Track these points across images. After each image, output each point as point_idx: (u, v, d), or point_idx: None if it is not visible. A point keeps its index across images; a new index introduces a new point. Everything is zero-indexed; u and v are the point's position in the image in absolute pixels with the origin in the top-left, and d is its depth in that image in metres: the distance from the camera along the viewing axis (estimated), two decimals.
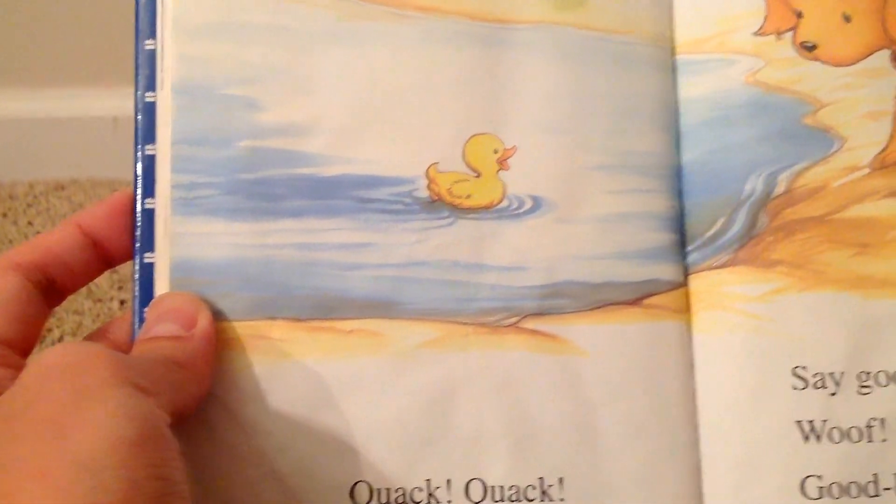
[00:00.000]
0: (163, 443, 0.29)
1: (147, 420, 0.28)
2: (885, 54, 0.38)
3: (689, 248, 0.39)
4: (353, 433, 0.36)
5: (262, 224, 0.37)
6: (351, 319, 0.37)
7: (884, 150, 0.38)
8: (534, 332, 0.38)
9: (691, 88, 0.39)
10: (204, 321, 0.34)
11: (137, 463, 0.27)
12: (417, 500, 0.37)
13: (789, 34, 0.39)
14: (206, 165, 0.37)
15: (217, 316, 0.36)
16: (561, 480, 0.37)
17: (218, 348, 0.36)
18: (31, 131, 0.96)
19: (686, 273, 0.39)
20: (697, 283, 0.39)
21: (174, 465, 0.29)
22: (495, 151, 0.39)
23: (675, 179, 0.40)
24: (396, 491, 0.36)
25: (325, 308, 0.37)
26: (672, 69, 0.40)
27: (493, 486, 0.37)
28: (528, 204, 0.39)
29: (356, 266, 0.37)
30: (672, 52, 0.40)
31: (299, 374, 0.36)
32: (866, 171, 0.37)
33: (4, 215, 0.96)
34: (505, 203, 0.39)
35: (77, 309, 0.87)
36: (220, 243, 0.37)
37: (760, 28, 0.39)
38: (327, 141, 0.38)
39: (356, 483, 0.36)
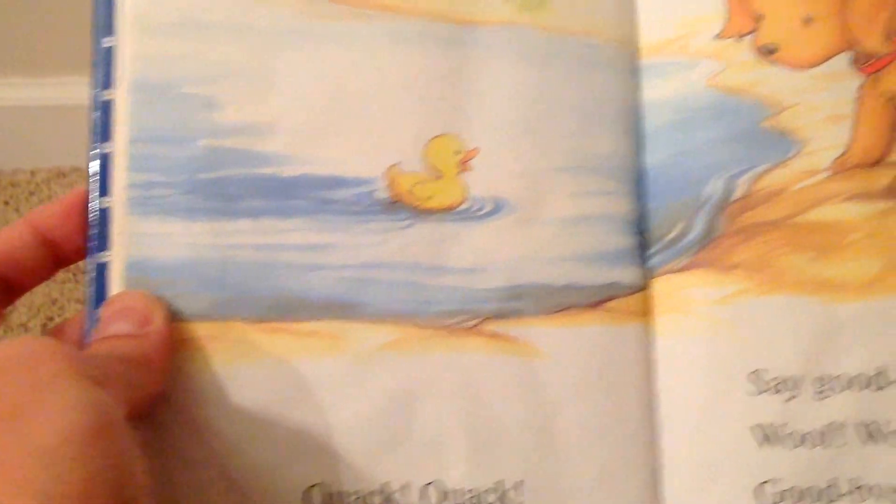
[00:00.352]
0: (120, 433, 0.28)
1: (103, 411, 0.28)
2: (845, 57, 0.38)
3: (651, 251, 0.39)
4: (309, 436, 0.35)
5: (219, 224, 0.36)
6: (309, 321, 0.37)
7: (844, 153, 0.38)
8: (494, 334, 0.38)
9: (654, 91, 0.39)
10: (159, 319, 0.34)
11: (95, 453, 0.27)
12: None
13: (750, 37, 0.39)
14: (163, 164, 0.36)
15: (173, 316, 0.35)
16: (520, 484, 0.37)
17: (173, 348, 0.34)
18: (33, 119, 0.96)
19: (648, 276, 0.39)
20: (659, 286, 0.39)
21: (132, 456, 0.29)
22: (457, 153, 0.39)
23: (638, 182, 0.39)
24: (352, 494, 0.36)
25: (283, 309, 0.36)
26: (635, 72, 0.40)
27: (451, 490, 0.37)
28: (490, 206, 0.39)
29: (315, 267, 0.36)
30: (636, 54, 0.40)
31: (255, 376, 0.36)
32: (826, 174, 0.38)
33: (6, 203, 0.95)
34: (466, 205, 0.39)
35: (79, 298, 0.86)
36: (176, 243, 0.36)
37: (722, 31, 0.39)
38: (287, 141, 0.37)
39: (311, 486, 0.35)
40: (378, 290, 0.38)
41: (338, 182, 0.38)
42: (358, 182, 0.38)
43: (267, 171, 0.37)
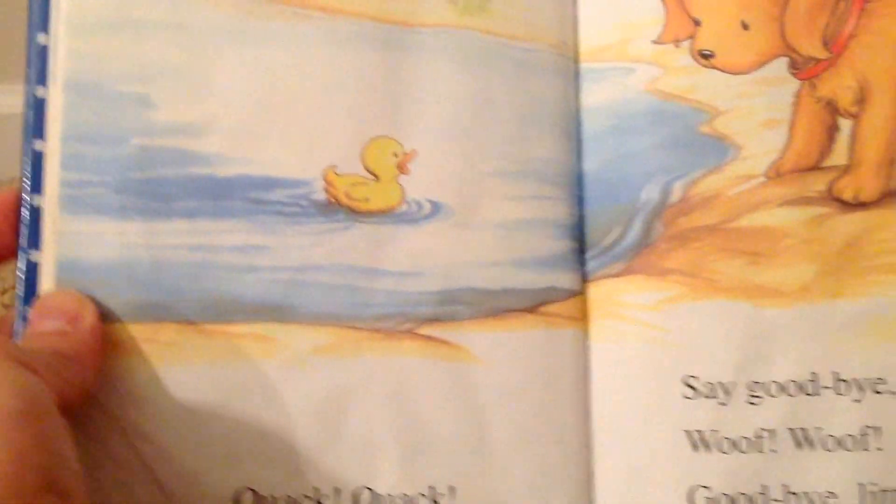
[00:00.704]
0: (50, 417, 0.28)
1: (34, 394, 0.28)
2: (782, 62, 0.38)
3: (588, 255, 0.39)
4: (239, 439, 0.35)
5: (153, 224, 0.36)
6: (243, 323, 0.36)
7: (779, 158, 0.38)
8: (429, 338, 0.37)
9: (593, 96, 0.39)
10: (89, 318, 0.34)
11: (24, 435, 0.27)
12: None
13: (688, 42, 0.39)
14: (96, 163, 0.36)
15: (103, 317, 0.35)
16: (452, 489, 0.37)
17: (104, 348, 0.34)
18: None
19: (584, 281, 0.39)
20: (595, 291, 0.39)
21: (63, 440, 0.28)
22: (395, 155, 0.38)
23: (576, 187, 0.39)
24: (283, 499, 0.36)
25: (216, 311, 0.36)
26: (575, 77, 0.40)
27: (382, 495, 0.36)
28: (427, 209, 0.38)
29: (249, 269, 0.36)
30: (576, 59, 0.40)
31: (186, 378, 0.35)
32: (761, 179, 0.38)
33: None
34: (403, 207, 0.38)
35: None
36: (108, 243, 0.36)
37: (659, 36, 0.39)
38: (223, 141, 0.37)
39: (241, 490, 0.34)
40: (313, 292, 0.37)
41: (273, 183, 0.37)
42: (294, 183, 0.38)
43: (202, 171, 0.37)
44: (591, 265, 0.39)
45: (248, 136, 0.37)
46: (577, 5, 0.40)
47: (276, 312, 0.37)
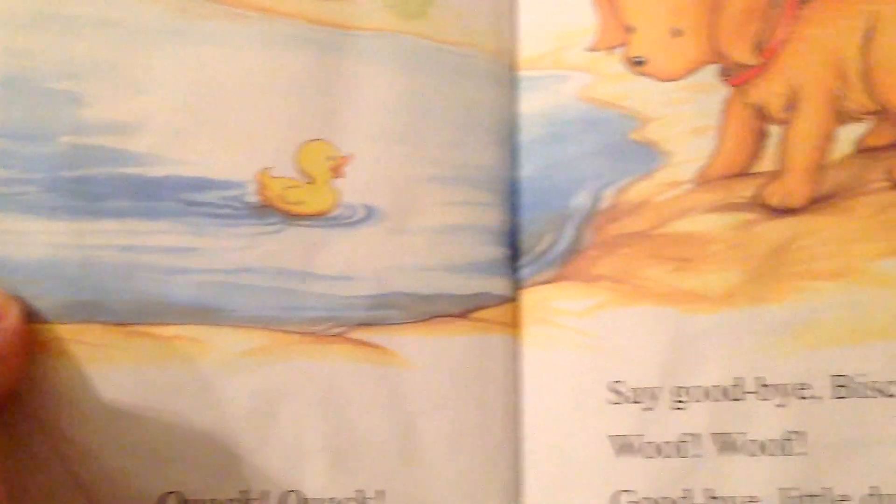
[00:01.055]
0: None
1: None
2: (713, 69, 0.39)
3: (522, 262, 0.39)
4: (166, 442, 0.35)
5: (82, 224, 0.36)
6: (172, 325, 0.36)
7: (707, 164, 0.38)
8: (360, 342, 0.37)
9: (530, 104, 0.40)
10: (14, 316, 0.34)
11: None
12: None
13: (621, 49, 0.39)
14: (24, 161, 0.36)
15: (30, 317, 0.35)
16: (380, 493, 0.37)
17: (29, 348, 0.34)
18: None
19: (518, 287, 0.39)
20: (528, 297, 0.39)
21: None
22: (330, 159, 0.39)
23: (510, 194, 0.39)
24: (209, 502, 0.35)
25: (144, 313, 0.36)
26: (513, 84, 0.40)
27: (310, 499, 0.36)
28: (361, 213, 0.39)
29: (180, 270, 0.36)
30: (514, 67, 0.40)
31: (113, 380, 0.35)
32: (689, 186, 0.38)
33: None
34: (338, 211, 0.38)
35: None
36: (36, 242, 0.35)
37: (593, 44, 0.39)
38: (155, 140, 0.37)
39: (166, 493, 0.35)
40: (244, 295, 0.37)
41: (206, 184, 0.37)
42: (227, 185, 0.38)
43: (133, 170, 0.36)
44: (524, 272, 0.39)
45: (180, 136, 0.37)
46: (516, 13, 0.41)
47: (206, 314, 0.37)
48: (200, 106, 0.38)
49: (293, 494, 0.36)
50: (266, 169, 0.38)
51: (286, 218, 0.38)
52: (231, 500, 0.36)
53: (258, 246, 0.38)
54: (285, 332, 0.37)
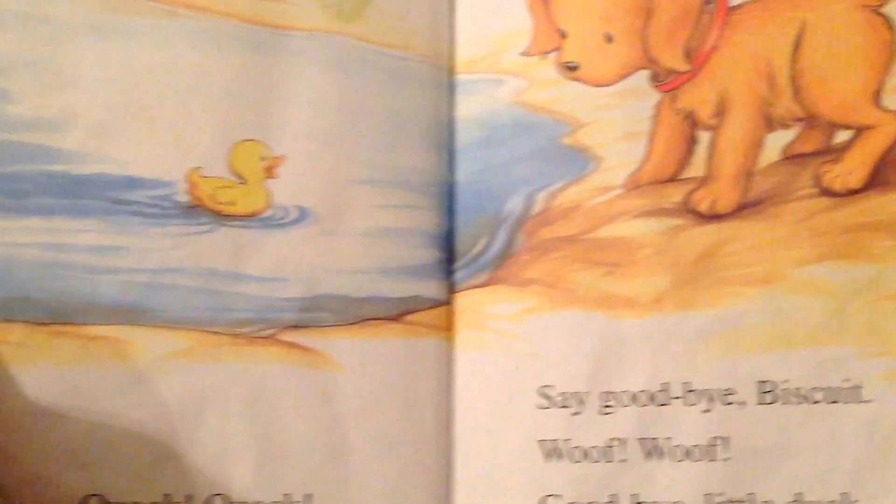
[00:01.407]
0: None
1: None
2: (644, 74, 0.38)
3: (456, 265, 0.39)
4: (88, 444, 0.34)
5: (5, 221, 0.36)
6: (97, 325, 0.36)
7: (638, 170, 0.38)
8: (291, 344, 0.37)
9: (466, 108, 0.40)
10: None
11: None
12: None
13: (555, 55, 0.39)
14: None
15: None
16: (308, 497, 0.37)
17: None
18: None
19: (451, 291, 0.39)
20: (461, 301, 0.39)
21: None
22: (263, 159, 0.38)
23: (446, 197, 0.39)
24: None
25: (68, 312, 0.36)
26: (450, 88, 0.40)
27: (236, 502, 0.36)
28: (294, 214, 0.38)
29: (106, 270, 0.36)
30: (451, 71, 0.40)
31: (35, 380, 0.35)
32: (620, 191, 0.38)
33: None
34: (270, 212, 0.38)
35: None
36: None
37: (527, 49, 0.39)
38: (82, 138, 0.36)
39: (88, 496, 0.34)
40: (171, 295, 0.37)
41: (134, 183, 0.37)
42: (156, 184, 0.37)
43: (60, 168, 0.36)
44: (458, 275, 0.39)
45: (108, 134, 0.37)
46: (454, 17, 0.41)
47: (131, 315, 0.36)
48: (130, 104, 0.38)
49: (218, 498, 0.36)
50: (197, 168, 0.38)
51: (217, 218, 0.38)
52: (154, 503, 0.36)
53: (187, 246, 0.37)
54: (213, 333, 0.37)
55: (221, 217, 0.38)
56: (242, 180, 0.38)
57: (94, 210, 0.36)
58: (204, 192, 0.37)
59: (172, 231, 0.37)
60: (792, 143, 0.38)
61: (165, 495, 0.36)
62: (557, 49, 0.39)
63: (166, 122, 0.38)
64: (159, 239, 0.37)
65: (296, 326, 0.38)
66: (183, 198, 0.37)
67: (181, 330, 0.37)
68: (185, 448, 0.36)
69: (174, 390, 0.36)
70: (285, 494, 0.36)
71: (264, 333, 0.37)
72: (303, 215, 0.38)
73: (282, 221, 0.38)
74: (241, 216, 0.38)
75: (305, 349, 0.37)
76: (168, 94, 0.38)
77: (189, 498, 0.36)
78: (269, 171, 0.38)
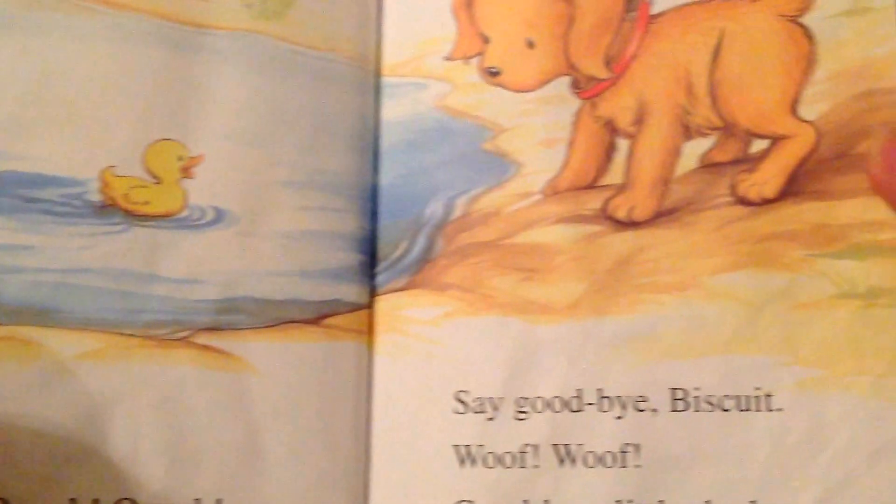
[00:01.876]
0: None
1: None
2: (565, 81, 0.39)
3: (378, 269, 0.39)
4: None
5: None
6: (2, 325, 0.35)
7: (557, 176, 0.39)
8: (205, 347, 0.37)
9: (390, 111, 0.40)
10: None
11: None
12: None
13: (477, 59, 0.39)
14: None
15: None
16: (219, 501, 0.36)
17: None
18: None
19: (373, 295, 0.39)
20: (381, 305, 0.39)
21: None
22: (179, 159, 0.38)
23: (368, 200, 0.40)
24: None
25: None
26: (376, 91, 0.40)
27: None
28: (211, 215, 0.38)
29: (12, 269, 0.35)
30: (377, 73, 0.41)
31: None
32: (538, 197, 0.38)
33: None
34: (185, 213, 0.38)
35: None
36: None
37: (450, 53, 0.40)
38: None
39: None
40: (82, 296, 0.36)
41: (46, 181, 0.37)
42: (67, 182, 0.37)
43: None
44: (379, 279, 0.39)
45: (18, 130, 0.36)
46: (380, 19, 0.41)
47: (39, 315, 0.36)
48: (42, 100, 0.37)
49: (127, 502, 0.36)
50: (111, 167, 0.38)
51: (130, 218, 0.37)
52: None
53: (99, 246, 0.37)
54: (125, 334, 0.37)
55: (135, 217, 0.37)
56: (157, 180, 0.38)
57: (3, 208, 0.36)
58: (117, 191, 0.37)
59: (84, 230, 0.37)
60: (709, 151, 0.38)
61: (72, 499, 0.35)
62: (480, 54, 0.40)
63: (80, 120, 0.37)
64: (70, 238, 0.37)
65: (211, 329, 0.37)
66: (96, 197, 0.37)
67: (91, 331, 0.36)
68: (94, 451, 0.35)
69: (83, 392, 0.36)
70: (196, 499, 0.36)
71: (178, 335, 0.37)
72: (220, 216, 0.38)
73: (198, 222, 0.38)
74: (155, 216, 0.38)
75: (220, 352, 0.37)
76: (83, 92, 0.37)
77: (97, 502, 0.35)
78: (186, 172, 0.38)
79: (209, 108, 0.39)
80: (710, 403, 0.36)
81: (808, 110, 0.38)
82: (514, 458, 0.37)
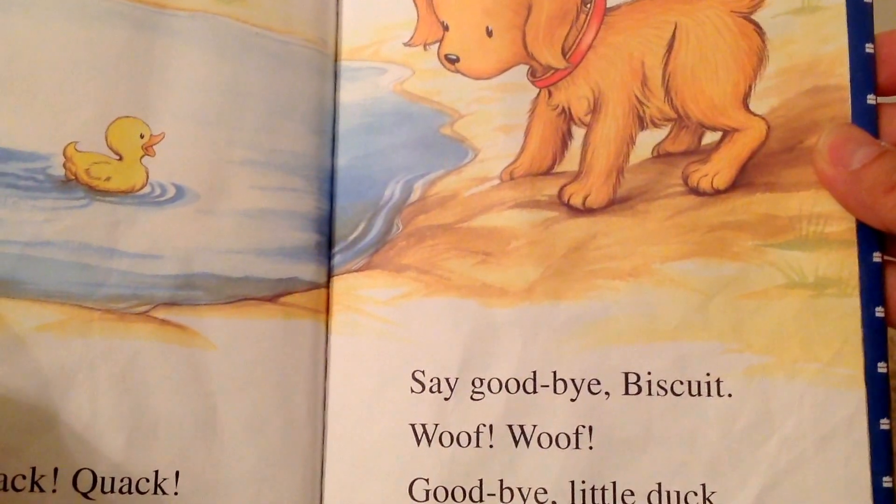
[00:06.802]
0: None
1: None
2: (522, 69, 0.40)
3: (335, 250, 0.41)
4: None
5: None
6: None
7: (513, 162, 0.40)
8: (164, 321, 0.39)
9: (348, 94, 0.42)
10: None
11: None
12: (20, 488, 0.37)
13: (437, 46, 0.41)
14: None
15: None
16: (176, 474, 0.38)
17: None
18: None
19: (329, 274, 0.41)
20: (338, 285, 0.41)
21: None
22: (141, 136, 0.40)
23: (326, 181, 0.42)
24: None
25: None
26: (334, 74, 0.42)
27: (103, 478, 0.37)
28: (171, 192, 0.40)
29: None
30: (336, 57, 0.42)
31: None
32: (496, 182, 0.40)
33: None
34: (147, 189, 0.40)
35: None
36: None
37: (410, 39, 0.42)
38: None
39: None
40: (42, 268, 0.38)
41: (9, 155, 0.38)
42: (31, 157, 0.39)
43: None
44: (336, 259, 0.41)
45: None
46: (340, 4, 0.43)
47: (1, 287, 0.38)
48: (6, 76, 0.39)
49: (85, 472, 0.37)
50: (74, 143, 0.39)
51: (92, 193, 0.39)
52: (19, 475, 0.37)
53: (60, 220, 0.39)
54: (85, 307, 0.38)
55: (97, 192, 0.39)
56: (119, 156, 0.39)
57: None
58: (79, 166, 0.39)
59: (46, 204, 0.39)
60: (662, 142, 0.41)
61: (31, 468, 0.37)
62: (439, 40, 0.42)
63: (44, 96, 0.39)
64: (32, 212, 0.38)
65: (169, 304, 0.39)
66: (58, 171, 0.39)
67: (52, 303, 0.38)
68: (53, 422, 0.37)
69: (43, 363, 0.38)
70: (154, 471, 0.38)
71: (137, 310, 0.39)
72: (180, 193, 0.40)
73: (158, 199, 0.40)
74: (116, 192, 0.39)
75: (178, 326, 0.39)
76: (47, 69, 0.39)
77: (55, 472, 0.37)
78: (147, 149, 0.40)
79: (170, 87, 0.40)
80: (662, 388, 0.39)
81: (759, 104, 0.40)
82: (469, 437, 0.39)
